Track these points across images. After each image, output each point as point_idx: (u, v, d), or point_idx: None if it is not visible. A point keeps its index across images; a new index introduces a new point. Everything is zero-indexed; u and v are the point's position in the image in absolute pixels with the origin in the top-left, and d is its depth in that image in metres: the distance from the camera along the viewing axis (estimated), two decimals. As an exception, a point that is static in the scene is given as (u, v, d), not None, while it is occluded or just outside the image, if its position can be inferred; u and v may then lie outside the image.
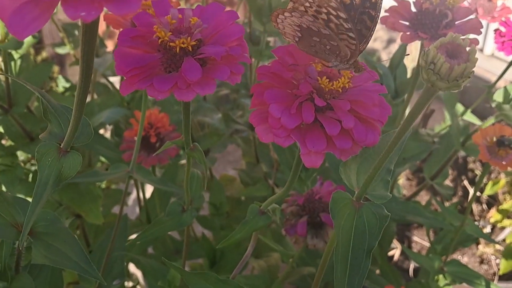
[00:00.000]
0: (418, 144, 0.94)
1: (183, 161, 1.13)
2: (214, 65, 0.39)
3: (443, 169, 1.03)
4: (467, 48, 0.28)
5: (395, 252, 1.47)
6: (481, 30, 0.51)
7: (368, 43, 0.41)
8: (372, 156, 0.41)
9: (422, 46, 0.54)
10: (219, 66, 0.39)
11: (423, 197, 1.56)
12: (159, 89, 0.37)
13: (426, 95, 0.30)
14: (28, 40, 0.88)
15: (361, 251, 0.36)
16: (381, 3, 0.42)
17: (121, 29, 0.46)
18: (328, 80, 0.40)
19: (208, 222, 1.14)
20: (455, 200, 1.56)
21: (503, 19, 0.83)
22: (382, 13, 0.50)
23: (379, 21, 0.42)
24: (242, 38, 0.41)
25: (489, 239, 0.97)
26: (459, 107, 1.04)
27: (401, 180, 1.63)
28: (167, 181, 0.86)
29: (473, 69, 0.28)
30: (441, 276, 1.06)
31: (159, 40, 0.39)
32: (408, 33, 0.50)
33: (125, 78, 0.39)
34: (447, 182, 1.62)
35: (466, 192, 1.63)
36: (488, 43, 1.95)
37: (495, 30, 0.84)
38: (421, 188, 1.08)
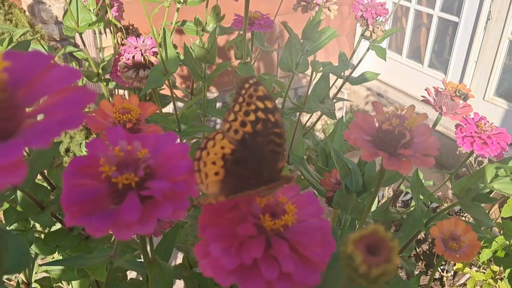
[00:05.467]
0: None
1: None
2: (157, 201, 0.39)
3: (408, 244, 1.04)
4: (390, 244, 0.26)
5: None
6: (437, 149, 0.50)
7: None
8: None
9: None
10: (162, 203, 0.39)
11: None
12: (97, 227, 0.37)
13: (348, 284, 0.28)
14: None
15: None
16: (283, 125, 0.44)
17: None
18: (270, 218, 0.39)
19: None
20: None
21: (464, 116, 0.92)
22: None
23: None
24: (191, 172, 0.41)
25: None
26: (424, 190, 1.04)
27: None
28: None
29: (395, 269, 0.25)
30: None
31: (103, 175, 0.39)
32: (368, 151, 0.49)
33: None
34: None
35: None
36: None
37: (456, 126, 0.92)
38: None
